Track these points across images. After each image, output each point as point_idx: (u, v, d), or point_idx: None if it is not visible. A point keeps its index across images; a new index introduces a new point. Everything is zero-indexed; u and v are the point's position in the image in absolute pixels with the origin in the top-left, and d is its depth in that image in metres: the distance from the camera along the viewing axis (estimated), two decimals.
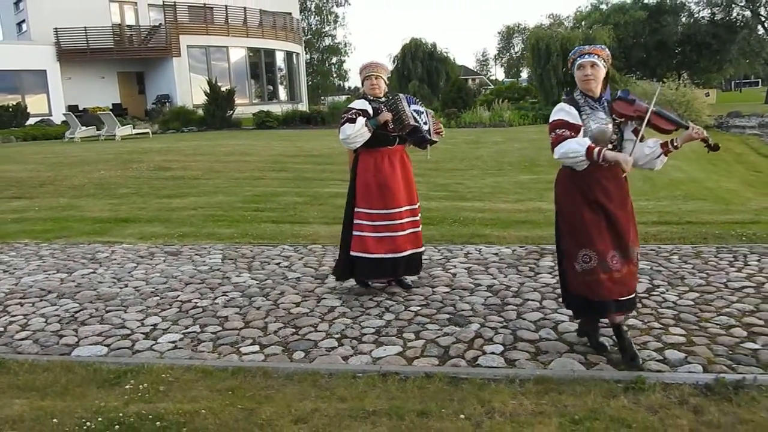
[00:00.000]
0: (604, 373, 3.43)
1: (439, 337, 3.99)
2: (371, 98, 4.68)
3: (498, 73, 79.04)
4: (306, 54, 59.44)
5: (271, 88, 34.16)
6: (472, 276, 5.25)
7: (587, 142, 3.37)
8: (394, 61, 36.93)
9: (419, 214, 4.88)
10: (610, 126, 3.47)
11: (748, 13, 41.60)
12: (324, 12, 59.50)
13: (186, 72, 28.86)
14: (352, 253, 4.69)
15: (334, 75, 63.76)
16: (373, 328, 4.18)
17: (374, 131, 4.57)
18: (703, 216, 7.39)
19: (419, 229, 4.86)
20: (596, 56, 3.48)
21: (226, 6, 30.31)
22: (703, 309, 4.30)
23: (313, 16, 59.88)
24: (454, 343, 3.88)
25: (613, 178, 3.50)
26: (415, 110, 4.64)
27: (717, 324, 4.02)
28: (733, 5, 42.31)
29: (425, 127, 4.66)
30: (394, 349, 3.84)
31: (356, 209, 4.70)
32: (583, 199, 3.48)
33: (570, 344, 3.82)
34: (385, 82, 4.74)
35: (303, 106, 33.20)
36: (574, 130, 3.42)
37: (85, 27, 27.21)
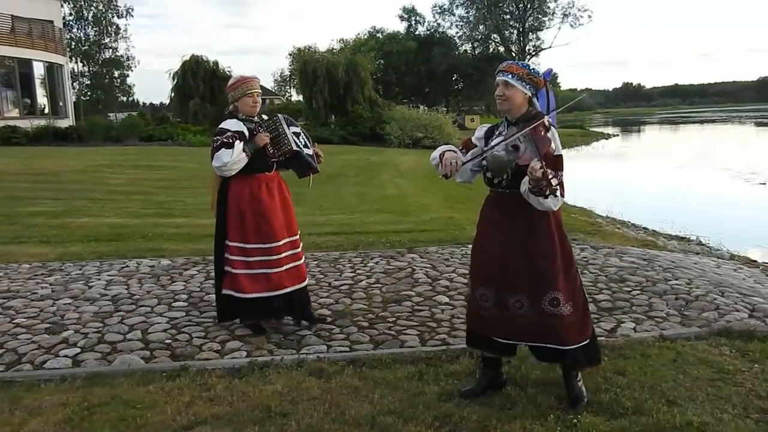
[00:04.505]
0: (155, 365, 3.84)
1: (22, 345, 4.14)
2: (243, 118, 4.19)
3: (295, 93, 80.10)
4: (83, 66, 55.72)
5: (28, 101, 31.40)
6: (107, 288, 5.45)
7: None
8: (174, 78, 35.88)
9: (300, 245, 4.45)
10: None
11: (501, 48, 47.13)
12: (103, 22, 56.22)
13: None
14: (224, 292, 4.26)
15: (117, 90, 60.48)
16: None
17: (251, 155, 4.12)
18: (375, 226, 8.34)
19: (301, 261, 4.41)
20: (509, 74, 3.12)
21: None
22: None
23: (90, 27, 56.35)
24: (33, 350, 4.06)
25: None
26: (294, 132, 4.24)
27: None
28: (490, 41, 47.69)
29: (306, 151, 4.29)
30: None
31: (228, 243, 4.22)
32: None
33: (147, 343, 4.19)
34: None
35: (69, 122, 30.99)
36: None
37: None
